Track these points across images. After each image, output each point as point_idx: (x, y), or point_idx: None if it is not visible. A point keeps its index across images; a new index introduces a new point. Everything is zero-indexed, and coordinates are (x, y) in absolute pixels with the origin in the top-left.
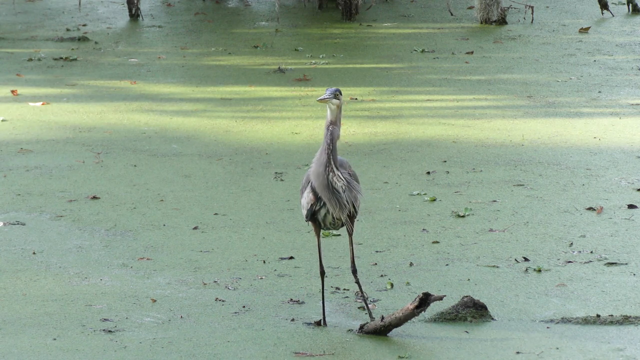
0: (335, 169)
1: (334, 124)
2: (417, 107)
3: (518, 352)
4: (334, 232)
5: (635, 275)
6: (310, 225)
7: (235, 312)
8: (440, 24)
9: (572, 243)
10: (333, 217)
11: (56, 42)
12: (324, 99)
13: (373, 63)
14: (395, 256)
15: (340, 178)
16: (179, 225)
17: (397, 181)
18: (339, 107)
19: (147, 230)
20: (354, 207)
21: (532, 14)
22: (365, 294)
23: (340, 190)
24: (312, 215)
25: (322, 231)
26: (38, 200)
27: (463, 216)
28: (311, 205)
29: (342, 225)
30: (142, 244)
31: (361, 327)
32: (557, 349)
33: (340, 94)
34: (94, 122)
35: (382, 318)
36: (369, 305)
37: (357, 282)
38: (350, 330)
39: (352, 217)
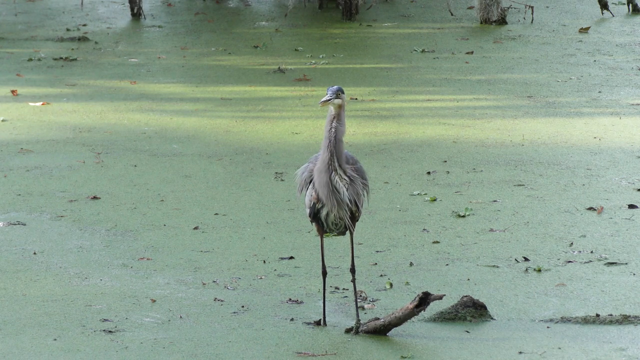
0: (338, 167)
1: (337, 119)
2: (417, 107)
3: (520, 352)
4: (336, 233)
5: (635, 275)
6: (313, 226)
7: (234, 312)
8: (440, 24)
9: (572, 243)
10: (335, 217)
11: (56, 42)
12: (326, 101)
13: (373, 63)
14: (396, 256)
15: (343, 177)
16: (179, 225)
17: (397, 181)
18: (341, 106)
19: (148, 231)
20: (356, 205)
21: (532, 14)
22: (358, 296)
23: (342, 190)
24: (314, 215)
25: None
26: (38, 200)
27: (463, 216)
28: (314, 203)
29: (346, 228)
30: (142, 244)
31: (351, 329)
32: (560, 348)
33: (342, 92)
34: (94, 122)
35: (362, 324)
36: (359, 306)
37: (353, 281)
38: (349, 330)
39: (354, 217)
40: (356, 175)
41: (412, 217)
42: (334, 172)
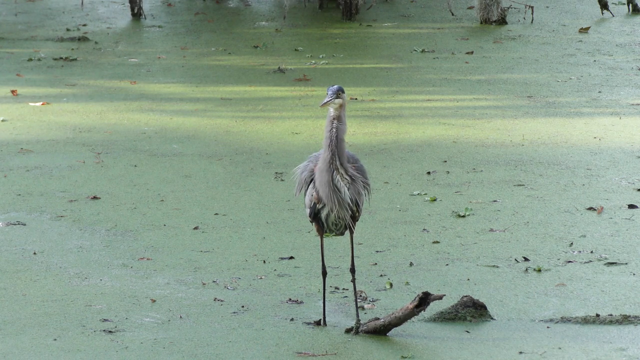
0: (339, 166)
1: (338, 119)
2: (417, 107)
3: (521, 352)
4: (335, 233)
5: (635, 275)
6: (313, 226)
7: (234, 312)
8: (440, 24)
9: (572, 243)
10: (336, 217)
11: (56, 42)
12: (326, 102)
13: (373, 63)
14: (395, 256)
15: (344, 176)
16: (179, 226)
17: (397, 181)
18: (342, 106)
19: (148, 231)
20: (357, 205)
21: (532, 14)
22: (358, 296)
23: (343, 190)
24: (315, 215)
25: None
26: (38, 200)
27: (463, 216)
28: (314, 203)
29: (345, 229)
30: (142, 244)
31: (352, 329)
32: (560, 348)
33: (343, 91)
34: (94, 122)
35: (362, 323)
36: (358, 306)
37: (353, 281)
38: (349, 330)
39: (354, 217)
40: (357, 175)
41: (412, 217)
42: (335, 171)
